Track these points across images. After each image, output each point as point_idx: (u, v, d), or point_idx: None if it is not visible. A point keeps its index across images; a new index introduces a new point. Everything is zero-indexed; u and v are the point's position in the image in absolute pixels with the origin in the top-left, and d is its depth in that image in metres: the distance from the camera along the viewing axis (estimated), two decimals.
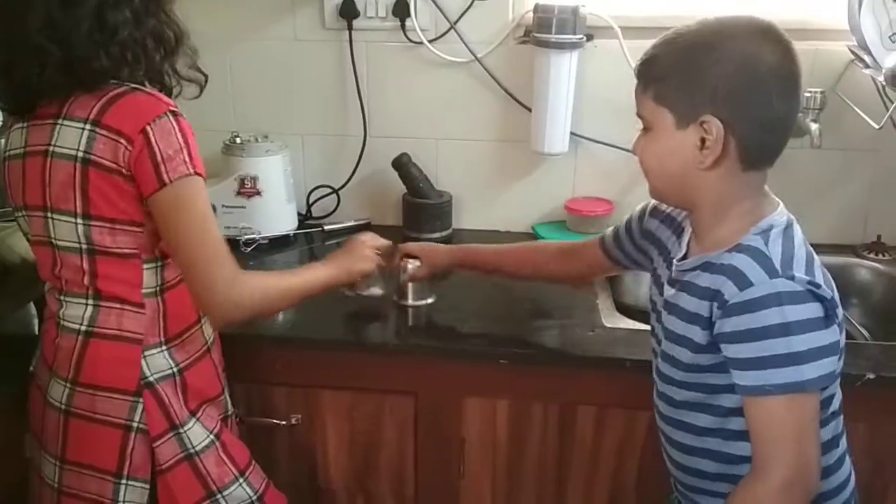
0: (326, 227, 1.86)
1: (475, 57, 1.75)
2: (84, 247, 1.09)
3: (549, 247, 1.32)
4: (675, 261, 1.07)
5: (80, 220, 1.07)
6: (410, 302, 1.47)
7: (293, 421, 1.42)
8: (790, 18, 1.66)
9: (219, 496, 1.19)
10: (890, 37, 1.51)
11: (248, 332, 1.35)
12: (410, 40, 1.76)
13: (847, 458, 1.07)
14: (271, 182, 1.74)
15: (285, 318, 1.43)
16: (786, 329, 0.90)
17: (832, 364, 0.93)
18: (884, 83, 1.44)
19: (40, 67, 1.04)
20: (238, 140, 1.73)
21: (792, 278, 0.91)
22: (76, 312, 1.12)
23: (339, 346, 1.38)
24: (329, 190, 1.90)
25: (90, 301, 1.12)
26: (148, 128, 1.03)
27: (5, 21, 1.05)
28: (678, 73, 0.96)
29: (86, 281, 1.11)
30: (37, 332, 1.37)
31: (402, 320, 1.46)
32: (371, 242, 1.36)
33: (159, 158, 1.04)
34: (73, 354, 1.12)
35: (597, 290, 1.54)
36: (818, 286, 0.91)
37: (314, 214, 1.92)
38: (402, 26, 1.74)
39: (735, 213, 0.98)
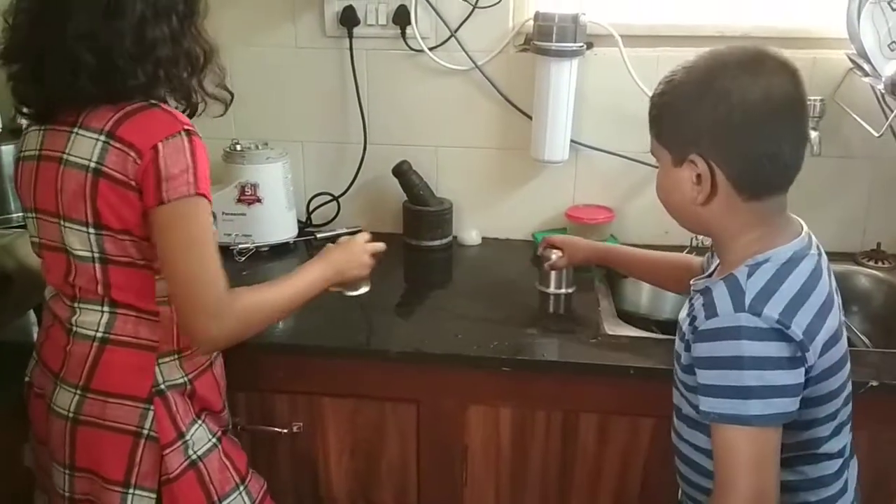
0: (319, 236, 1.86)
1: (475, 65, 1.75)
2: (97, 256, 1.09)
3: (694, 263, 1.28)
4: (692, 280, 1.08)
5: (91, 230, 1.07)
6: (552, 290, 1.55)
7: (295, 429, 1.41)
8: (789, 27, 1.68)
9: None
10: (889, 45, 1.52)
11: (249, 341, 1.34)
12: (411, 48, 1.76)
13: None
14: (272, 189, 1.74)
15: (286, 326, 1.43)
16: (739, 363, 0.91)
17: (786, 405, 0.92)
18: (883, 91, 1.45)
19: (72, 76, 1.03)
20: (238, 147, 1.73)
21: (758, 314, 0.91)
22: (91, 319, 1.12)
23: (340, 353, 1.37)
24: (329, 197, 1.90)
25: (106, 308, 1.11)
26: (160, 144, 1.03)
27: (43, 27, 1.04)
28: (670, 112, 0.99)
29: (100, 290, 1.10)
30: (35, 340, 1.37)
31: (404, 328, 1.46)
32: (369, 248, 1.34)
33: (163, 176, 1.03)
34: (87, 361, 1.11)
35: (598, 297, 1.54)
36: (787, 327, 0.91)
37: (314, 222, 1.92)
38: (403, 34, 1.75)
39: (742, 242, 0.98)
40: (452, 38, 1.74)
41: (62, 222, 1.09)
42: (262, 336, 1.35)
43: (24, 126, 1.17)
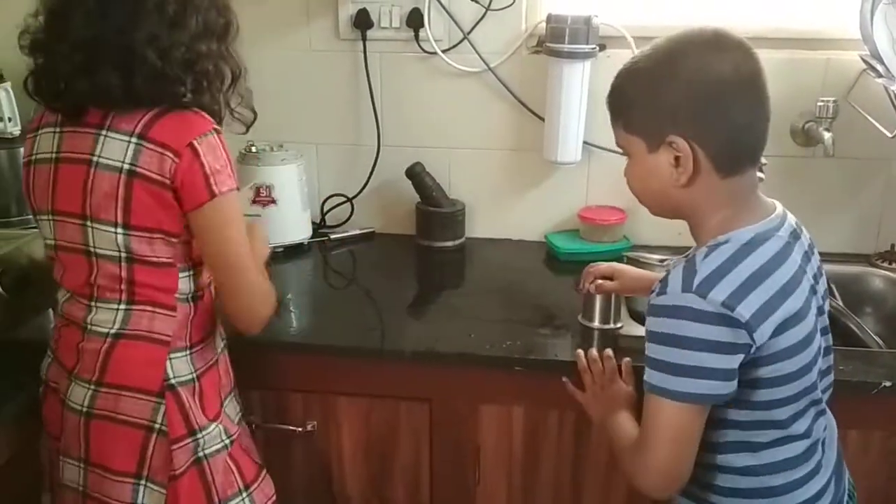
0: (333, 237, 1.87)
1: (488, 67, 1.76)
2: (123, 255, 1.11)
3: None
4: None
5: (119, 230, 1.09)
6: (596, 324, 1.40)
7: (309, 427, 1.42)
8: (803, 28, 1.69)
9: None
10: None
11: (263, 339, 1.35)
12: (424, 50, 1.77)
13: (817, 490, 1.05)
14: (287, 191, 1.75)
15: (302, 326, 1.44)
16: (677, 341, 0.94)
17: (716, 387, 0.94)
18: None
19: (128, 77, 1.06)
20: (254, 149, 1.75)
21: (703, 297, 0.93)
22: (107, 317, 1.13)
23: (354, 352, 1.38)
24: (343, 199, 1.91)
25: (122, 306, 1.13)
26: (195, 142, 1.07)
27: (106, 25, 1.06)
28: (639, 100, 1.00)
29: (122, 287, 1.12)
30: None
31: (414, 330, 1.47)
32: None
33: (208, 170, 1.08)
34: (100, 355, 1.13)
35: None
36: (732, 309, 0.92)
37: (328, 223, 1.93)
38: (416, 36, 1.76)
39: (713, 223, 1.00)
40: (465, 41, 1.75)
41: (89, 223, 1.11)
42: (277, 335, 1.37)
43: (34, 129, 1.17)
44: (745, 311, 0.92)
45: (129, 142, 1.07)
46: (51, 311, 1.40)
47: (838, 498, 1.08)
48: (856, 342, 1.45)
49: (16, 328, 1.32)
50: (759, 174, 1.49)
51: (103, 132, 1.09)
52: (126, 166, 1.07)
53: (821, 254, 1.67)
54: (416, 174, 1.80)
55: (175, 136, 1.07)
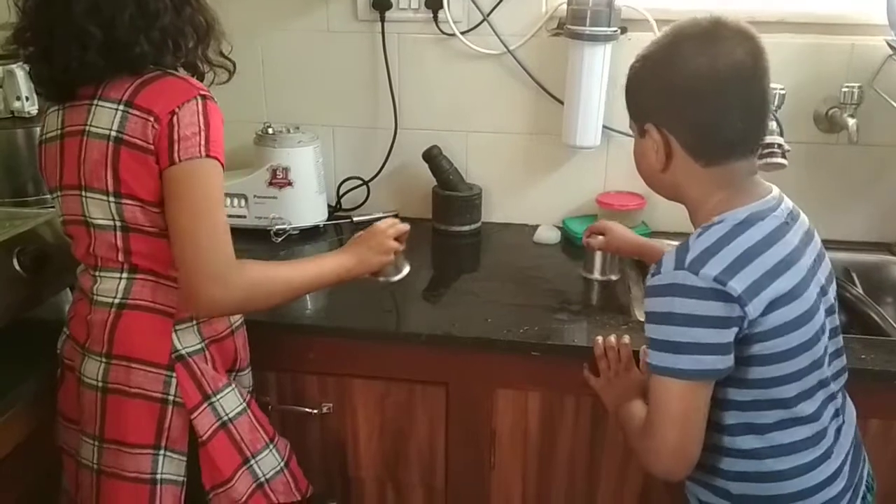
0: (355, 219, 1.87)
1: (507, 49, 1.74)
2: (118, 224, 1.10)
3: None
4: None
5: (111, 199, 1.09)
6: (595, 276, 1.57)
7: (325, 409, 1.43)
8: (827, 13, 1.66)
9: (252, 462, 1.21)
10: None
11: (280, 321, 1.36)
12: (443, 32, 1.76)
13: (826, 476, 1.04)
14: (303, 173, 1.75)
15: (318, 308, 1.44)
16: (671, 318, 0.96)
17: (715, 361, 0.96)
18: None
19: (82, 51, 1.06)
20: (270, 131, 1.74)
21: (696, 273, 0.94)
22: (110, 286, 1.14)
23: (371, 335, 1.38)
24: (359, 182, 1.91)
25: (125, 275, 1.13)
26: (177, 109, 1.06)
27: (49, 6, 1.07)
28: (631, 86, 1.07)
29: (120, 257, 1.12)
30: None
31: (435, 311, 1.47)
32: (391, 231, 1.30)
33: (175, 137, 1.05)
34: (107, 326, 1.13)
35: (629, 283, 1.54)
36: (724, 284, 0.93)
37: (344, 206, 1.93)
38: (435, 18, 1.74)
39: (708, 207, 1.02)
40: (485, 23, 1.74)
41: (83, 193, 1.11)
42: (293, 317, 1.37)
43: (46, 109, 1.19)
44: (737, 285, 0.94)
45: (117, 109, 1.07)
46: (68, 290, 1.41)
47: (853, 486, 1.07)
48: (877, 331, 1.43)
49: (34, 307, 1.32)
50: (782, 160, 1.49)
51: (95, 102, 1.09)
52: (113, 133, 1.07)
53: (841, 242, 1.67)
54: (433, 157, 1.79)
55: (159, 103, 1.06)
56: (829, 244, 1.70)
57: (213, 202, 1.08)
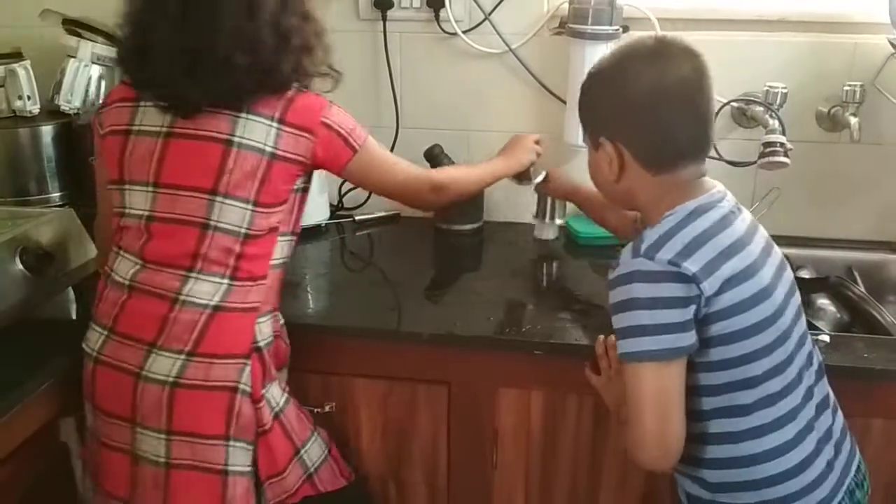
0: (357, 218, 1.87)
1: (509, 48, 1.74)
2: (244, 230, 1.17)
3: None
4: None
5: (250, 207, 1.17)
6: (546, 221, 1.68)
7: (327, 409, 1.43)
8: (830, 11, 1.66)
9: (302, 452, 1.26)
10: None
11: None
12: (444, 31, 1.76)
13: (801, 459, 1.05)
14: None
15: (319, 307, 1.44)
16: (633, 304, 1.00)
17: (679, 339, 0.98)
18: None
19: (230, 76, 1.13)
20: None
21: (651, 259, 0.99)
22: (207, 289, 1.16)
23: (373, 334, 1.38)
24: None
25: (226, 280, 1.17)
26: (324, 118, 1.20)
27: (192, 29, 1.12)
28: (583, 103, 1.13)
29: (231, 261, 1.17)
30: (74, 317, 1.40)
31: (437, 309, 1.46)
32: (533, 137, 1.56)
33: (344, 134, 1.22)
34: (196, 327, 1.15)
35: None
36: (678, 265, 0.97)
37: (346, 205, 1.93)
38: (437, 17, 1.75)
39: (660, 208, 1.06)
40: (486, 21, 1.74)
41: (219, 198, 1.16)
42: (295, 317, 1.37)
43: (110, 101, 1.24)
44: (691, 265, 0.98)
45: (271, 126, 1.17)
46: (70, 289, 1.41)
47: (836, 479, 1.07)
48: (879, 330, 1.43)
49: (36, 307, 1.32)
50: (784, 159, 1.49)
51: (243, 115, 1.16)
52: (269, 149, 1.16)
53: (843, 240, 1.68)
54: (434, 156, 1.79)
55: (306, 119, 1.18)
56: (831, 243, 1.73)
57: (390, 159, 1.33)
